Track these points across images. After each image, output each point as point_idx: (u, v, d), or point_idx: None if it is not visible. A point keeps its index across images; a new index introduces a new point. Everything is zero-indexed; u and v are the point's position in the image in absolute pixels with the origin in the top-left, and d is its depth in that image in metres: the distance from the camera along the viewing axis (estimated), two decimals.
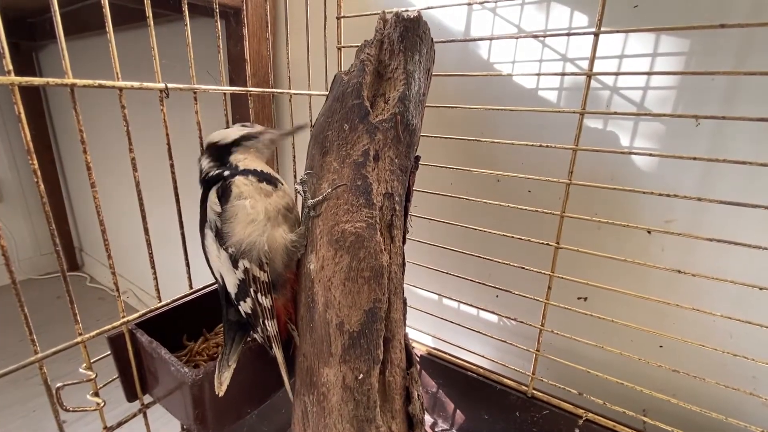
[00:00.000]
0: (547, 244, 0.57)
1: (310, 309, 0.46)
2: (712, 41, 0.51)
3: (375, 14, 0.54)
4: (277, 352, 0.47)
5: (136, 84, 0.43)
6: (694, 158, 0.47)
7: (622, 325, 0.54)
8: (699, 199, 0.47)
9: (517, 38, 0.63)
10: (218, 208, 0.45)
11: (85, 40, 1.47)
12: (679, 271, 0.50)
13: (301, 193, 0.47)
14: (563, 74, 0.60)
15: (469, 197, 0.64)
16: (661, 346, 0.61)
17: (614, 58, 0.57)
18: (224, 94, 0.56)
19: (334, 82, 0.52)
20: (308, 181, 0.48)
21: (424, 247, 0.71)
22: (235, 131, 0.50)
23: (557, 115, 0.62)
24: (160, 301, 0.52)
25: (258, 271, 0.45)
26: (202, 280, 0.58)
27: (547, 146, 0.55)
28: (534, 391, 0.63)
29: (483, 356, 0.70)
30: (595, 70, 0.50)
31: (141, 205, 0.47)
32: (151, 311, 0.51)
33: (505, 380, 0.66)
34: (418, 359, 0.72)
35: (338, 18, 0.69)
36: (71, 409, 0.43)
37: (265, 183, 0.47)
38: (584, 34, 0.54)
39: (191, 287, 0.56)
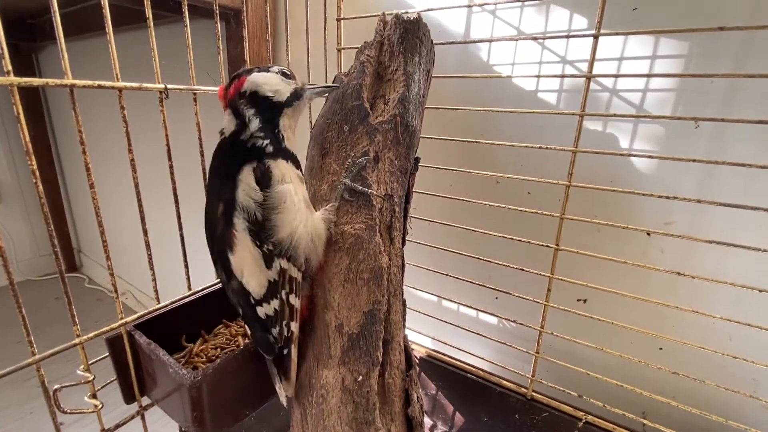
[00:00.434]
0: (547, 246, 0.57)
1: (310, 311, 0.46)
2: (711, 44, 0.51)
3: (375, 16, 0.54)
4: (293, 352, 0.44)
5: (135, 85, 0.43)
6: (694, 160, 0.47)
7: (621, 327, 0.54)
8: (698, 201, 0.47)
9: (516, 40, 0.63)
10: (259, 196, 0.38)
11: (85, 41, 1.47)
12: (679, 273, 0.50)
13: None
14: (563, 76, 0.60)
15: (469, 199, 0.64)
16: (660, 349, 0.61)
17: (614, 60, 0.57)
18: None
19: (334, 83, 0.52)
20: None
21: (423, 249, 0.70)
22: (283, 84, 0.41)
23: (557, 116, 0.62)
24: (159, 303, 0.52)
25: (295, 271, 0.41)
26: (202, 281, 0.58)
27: (547, 148, 0.55)
28: (534, 393, 0.63)
29: (482, 358, 0.70)
30: (594, 72, 0.50)
31: (140, 206, 0.47)
32: (149, 313, 0.50)
33: (504, 382, 0.66)
34: (417, 361, 0.72)
35: (338, 19, 0.69)
36: (69, 411, 0.43)
37: (298, 169, 0.42)
38: (584, 36, 0.54)
39: (190, 289, 0.56)
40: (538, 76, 0.63)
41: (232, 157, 0.40)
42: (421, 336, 0.78)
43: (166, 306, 0.52)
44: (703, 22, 0.50)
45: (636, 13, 0.55)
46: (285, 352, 0.44)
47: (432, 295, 0.78)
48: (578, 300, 0.66)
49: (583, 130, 0.52)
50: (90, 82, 0.40)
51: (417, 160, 0.52)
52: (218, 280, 0.59)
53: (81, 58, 1.49)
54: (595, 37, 0.49)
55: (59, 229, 2.05)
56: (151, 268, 0.50)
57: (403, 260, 0.50)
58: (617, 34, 0.54)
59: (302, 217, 0.40)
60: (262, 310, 0.41)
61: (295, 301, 0.42)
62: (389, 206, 0.46)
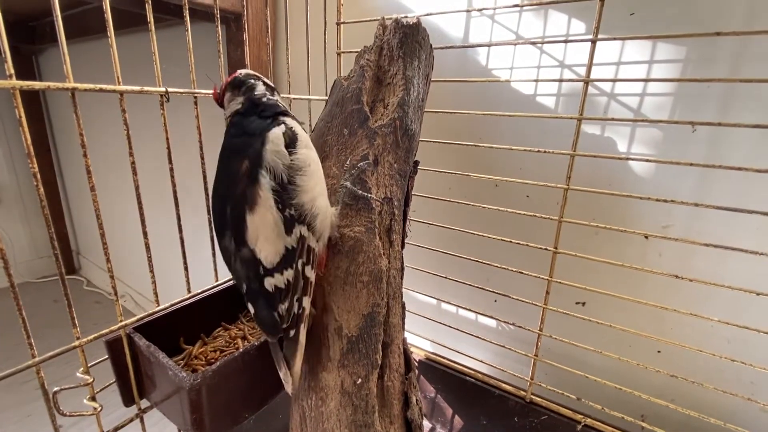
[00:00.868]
0: (546, 249, 0.57)
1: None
2: (708, 49, 0.51)
3: (374, 20, 0.54)
4: (302, 334, 0.42)
5: (136, 88, 0.44)
6: (691, 164, 0.47)
7: (620, 330, 0.54)
8: (696, 204, 0.47)
9: (515, 45, 0.64)
10: (287, 157, 0.38)
11: (85, 43, 1.48)
12: (677, 276, 0.50)
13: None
14: (561, 80, 0.60)
15: (468, 202, 0.64)
16: (659, 352, 0.61)
17: (611, 64, 0.58)
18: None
19: (334, 87, 0.52)
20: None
21: (422, 252, 0.71)
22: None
23: (555, 120, 0.62)
24: (159, 305, 0.52)
25: (314, 241, 0.40)
26: (201, 284, 0.58)
27: (545, 152, 0.56)
28: (532, 396, 0.63)
29: (481, 361, 0.70)
30: (592, 76, 0.51)
31: (140, 208, 0.47)
32: (149, 315, 0.50)
33: (503, 385, 0.66)
34: (416, 364, 0.72)
35: (338, 24, 0.70)
36: (68, 413, 0.43)
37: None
38: (582, 41, 0.55)
39: (189, 291, 0.56)
40: (536, 81, 0.63)
41: (252, 119, 0.41)
42: (420, 339, 0.78)
43: (166, 308, 0.52)
44: (699, 28, 0.51)
45: (633, 18, 0.55)
46: (292, 333, 0.41)
47: (431, 298, 0.78)
48: (577, 303, 0.66)
49: (582, 133, 0.53)
50: (91, 86, 0.40)
51: (416, 163, 0.52)
52: (218, 282, 0.60)
53: (81, 60, 1.50)
54: (593, 41, 0.49)
55: (58, 231, 2.05)
56: (151, 271, 0.50)
57: (402, 263, 0.50)
58: (615, 39, 0.55)
59: (322, 187, 0.41)
60: (272, 282, 0.39)
61: (311, 274, 0.41)
62: (388, 209, 0.47)
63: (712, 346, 0.53)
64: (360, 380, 0.43)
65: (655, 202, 0.50)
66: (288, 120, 0.41)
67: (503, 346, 0.66)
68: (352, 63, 0.53)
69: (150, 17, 0.44)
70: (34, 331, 0.38)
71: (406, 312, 0.52)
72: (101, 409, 0.46)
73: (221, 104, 0.45)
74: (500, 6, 0.62)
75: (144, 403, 0.51)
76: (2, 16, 0.32)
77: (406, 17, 0.50)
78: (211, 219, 0.43)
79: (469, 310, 0.71)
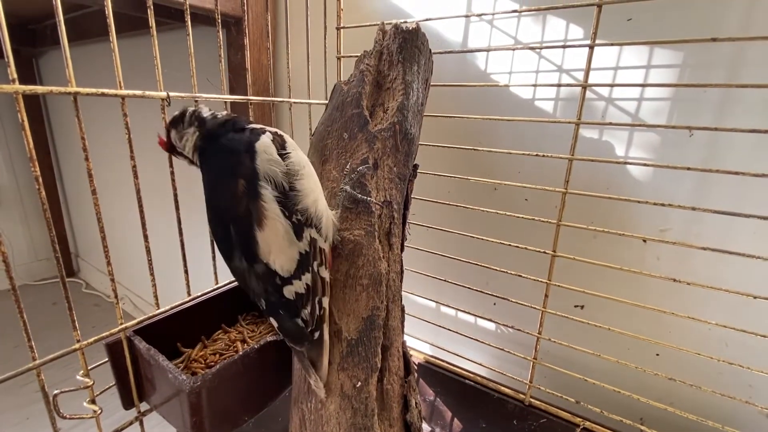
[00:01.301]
0: (544, 252, 0.57)
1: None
2: (705, 54, 0.52)
3: (374, 25, 0.55)
4: (326, 332, 0.42)
5: (138, 93, 0.44)
6: (688, 168, 0.47)
7: (618, 333, 0.54)
8: (693, 208, 0.48)
9: (513, 50, 0.64)
10: (281, 163, 0.37)
11: (85, 46, 1.48)
12: (675, 280, 0.50)
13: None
14: (559, 85, 0.61)
15: (467, 205, 0.64)
16: (657, 355, 0.61)
17: (609, 69, 0.58)
18: (225, 102, 0.57)
19: (334, 91, 0.53)
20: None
21: (422, 255, 0.71)
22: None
23: (553, 124, 0.63)
24: (158, 308, 0.52)
25: (323, 242, 0.40)
26: (201, 286, 0.58)
27: (544, 155, 0.56)
28: (531, 399, 0.63)
29: (481, 364, 0.70)
30: (590, 81, 0.51)
31: (141, 211, 0.48)
32: (149, 318, 0.50)
33: (502, 388, 0.66)
34: (416, 367, 0.72)
35: (338, 28, 0.70)
36: (68, 416, 0.43)
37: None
38: (580, 46, 0.55)
39: (189, 294, 0.56)
40: (535, 85, 0.64)
41: (227, 137, 0.39)
42: (419, 342, 0.78)
43: (166, 311, 0.52)
44: (696, 33, 0.52)
45: (630, 23, 0.56)
46: (317, 335, 0.42)
47: (430, 301, 0.78)
48: (575, 306, 0.66)
49: (580, 138, 0.53)
50: (94, 90, 0.40)
51: (415, 167, 0.53)
52: (218, 285, 0.60)
53: (81, 63, 1.50)
54: (591, 47, 0.50)
55: (57, 234, 2.04)
56: (151, 274, 0.50)
57: (401, 266, 0.50)
58: (612, 44, 0.55)
59: (320, 189, 0.40)
60: (292, 289, 0.39)
61: (326, 274, 0.41)
62: (388, 212, 0.47)
63: (710, 349, 0.53)
64: (359, 383, 0.43)
65: (652, 205, 0.50)
66: (266, 127, 0.40)
67: (502, 349, 0.66)
68: (352, 67, 0.54)
69: (151, 21, 0.45)
70: (33, 334, 0.38)
71: (406, 315, 0.52)
72: (101, 412, 0.46)
73: (171, 148, 0.43)
74: (499, 11, 0.62)
75: (144, 406, 0.51)
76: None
77: (406, 22, 0.50)
78: (211, 225, 0.42)
79: (469, 313, 0.71)
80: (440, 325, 0.71)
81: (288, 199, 0.37)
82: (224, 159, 0.39)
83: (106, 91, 0.41)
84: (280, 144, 0.38)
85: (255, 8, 0.81)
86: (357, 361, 0.44)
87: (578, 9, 0.54)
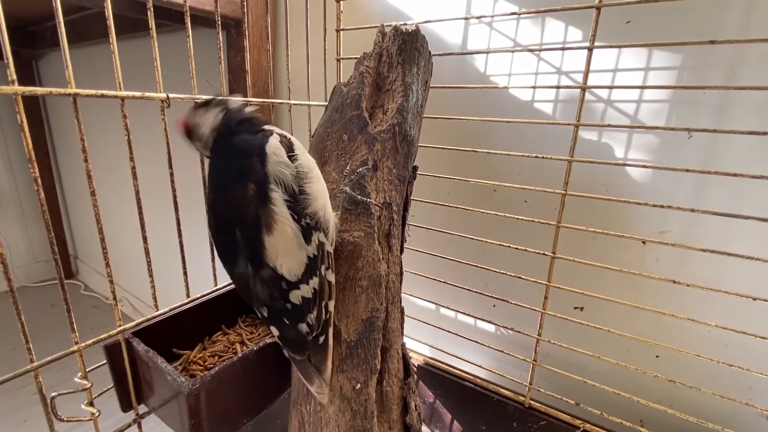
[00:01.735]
0: (544, 254, 0.57)
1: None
2: (703, 56, 0.52)
3: (374, 27, 0.55)
4: (330, 337, 0.42)
5: (138, 94, 0.44)
6: (687, 170, 0.48)
7: (618, 335, 0.54)
8: (692, 210, 0.48)
9: (513, 52, 0.64)
10: (291, 166, 0.37)
11: (85, 48, 1.48)
12: (674, 281, 0.50)
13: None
14: (558, 87, 0.61)
15: (467, 207, 0.64)
16: (657, 356, 0.61)
17: (608, 71, 0.58)
18: None
19: (334, 93, 0.53)
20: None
21: (421, 257, 0.71)
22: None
23: (553, 126, 0.63)
24: (157, 310, 0.52)
25: (329, 245, 0.40)
26: (200, 288, 0.58)
27: (543, 157, 0.56)
28: (531, 402, 0.63)
29: (480, 366, 0.70)
30: (589, 83, 0.51)
31: (140, 213, 0.47)
32: (147, 320, 0.50)
33: (502, 390, 0.66)
34: (415, 369, 0.72)
35: (338, 30, 0.70)
36: (66, 418, 0.43)
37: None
38: (578, 48, 0.55)
39: (188, 296, 0.56)
40: (534, 87, 0.64)
41: (240, 138, 0.39)
42: (419, 344, 0.78)
43: (165, 313, 0.52)
44: (695, 35, 0.52)
45: (629, 26, 0.56)
46: (321, 340, 0.41)
47: (430, 303, 0.78)
48: (575, 308, 0.66)
49: (579, 139, 0.53)
50: (93, 92, 0.40)
51: (415, 168, 0.53)
52: (217, 287, 0.60)
53: (81, 65, 1.50)
54: (590, 49, 0.50)
55: (56, 236, 2.04)
56: (150, 275, 0.50)
57: (401, 268, 0.50)
58: (611, 46, 0.55)
59: (327, 193, 0.40)
60: (298, 294, 0.38)
61: (332, 277, 0.41)
62: (388, 214, 0.47)
63: (709, 350, 0.53)
64: (359, 385, 0.43)
65: (652, 207, 0.50)
66: (274, 128, 0.40)
67: (502, 351, 0.66)
68: (351, 69, 0.54)
69: (151, 23, 0.45)
70: (31, 336, 0.38)
71: (405, 317, 0.52)
72: (99, 415, 0.45)
73: (189, 131, 0.42)
74: (498, 14, 0.63)
75: (142, 409, 0.51)
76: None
77: (405, 24, 0.50)
78: (208, 221, 0.42)
79: (468, 315, 0.71)
80: (440, 327, 0.71)
81: (297, 202, 0.37)
82: (233, 162, 0.38)
83: (105, 92, 0.41)
84: (288, 146, 0.38)
85: (255, 10, 0.81)
86: (356, 363, 0.44)
87: (577, 11, 0.54)
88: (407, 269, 0.61)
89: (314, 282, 0.39)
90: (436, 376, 0.71)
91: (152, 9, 0.45)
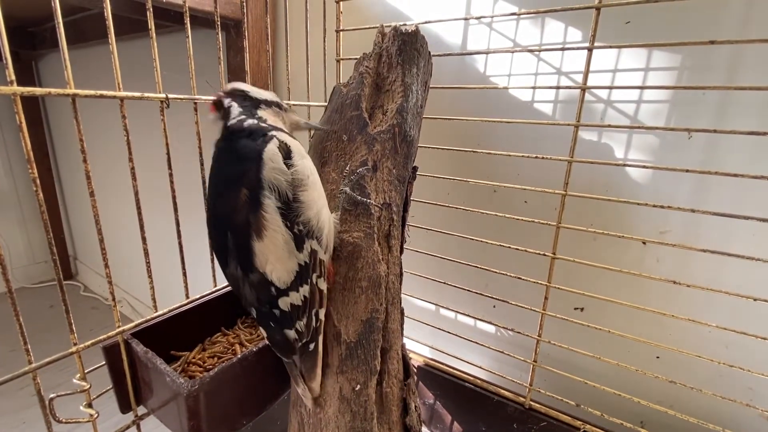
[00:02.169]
0: (544, 255, 0.57)
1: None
2: (703, 57, 0.52)
3: (374, 28, 0.55)
4: (320, 344, 0.43)
5: (137, 94, 0.44)
6: (687, 170, 0.47)
7: (618, 336, 0.54)
8: (692, 210, 0.48)
9: (513, 52, 0.64)
10: (287, 173, 0.36)
11: (84, 49, 1.48)
12: (674, 282, 0.50)
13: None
14: (558, 87, 0.61)
15: (466, 207, 0.64)
16: (657, 357, 0.61)
17: (608, 72, 0.58)
18: None
19: (333, 93, 0.53)
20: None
21: (421, 257, 0.71)
22: (267, 93, 0.44)
23: (553, 127, 0.63)
24: (156, 311, 0.52)
25: (322, 253, 0.40)
26: (199, 289, 0.58)
27: (543, 158, 0.56)
28: (531, 403, 0.63)
29: (480, 367, 0.69)
30: (589, 83, 0.51)
31: (139, 214, 0.47)
32: (146, 321, 0.50)
33: (502, 391, 0.66)
34: (415, 370, 0.72)
35: (337, 31, 0.70)
36: (64, 420, 0.43)
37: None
38: (578, 48, 0.55)
39: (188, 297, 0.56)
40: (534, 87, 0.64)
41: (241, 143, 0.38)
42: (419, 345, 0.78)
43: (164, 314, 0.52)
44: (694, 36, 0.52)
45: (629, 26, 0.56)
46: (311, 347, 0.41)
47: (430, 304, 0.78)
48: (575, 309, 0.66)
49: (579, 140, 0.53)
50: (92, 92, 0.40)
51: (415, 169, 0.52)
52: (216, 288, 0.59)
53: (81, 66, 1.50)
54: (590, 49, 0.50)
55: (55, 236, 2.04)
56: (150, 276, 0.50)
57: (401, 268, 0.50)
58: (611, 47, 0.55)
59: (323, 198, 0.40)
60: (288, 300, 0.39)
61: (323, 285, 0.41)
62: (387, 215, 0.47)
63: (710, 351, 0.53)
64: (359, 386, 0.43)
65: (652, 207, 0.50)
66: (277, 133, 0.39)
67: (502, 352, 0.66)
68: (351, 70, 0.54)
69: (151, 24, 0.45)
70: (30, 337, 0.38)
71: (405, 318, 0.52)
72: (98, 416, 0.45)
73: (220, 105, 0.42)
74: (498, 14, 0.63)
75: (141, 410, 0.51)
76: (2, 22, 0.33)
77: (405, 25, 0.50)
78: (209, 230, 0.42)
79: (468, 315, 0.71)
80: (440, 328, 0.71)
81: (291, 210, 0.37)
82: (231, 165, 0.38)
83: (104, 92, 0.41)
84: (285, 151, 0.38)
85: (254, 11, 0.81)
86: (356, 364, 0.43)
87: (577, 12, 0.54)
88: (407, 270, 0.61)
89: (305, 290, 0.39)
90: (436, 377, 0.71)
91: (152, 10, 0.45)
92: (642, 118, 0.57)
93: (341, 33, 0.70)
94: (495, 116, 0.66)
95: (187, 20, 0.49)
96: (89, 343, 0.45)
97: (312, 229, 0.38)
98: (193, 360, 0.53)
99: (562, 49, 0.60)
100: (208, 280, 0.59)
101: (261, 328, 0.42)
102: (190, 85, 0.51)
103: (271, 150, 0.37)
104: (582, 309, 0.66)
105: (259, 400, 0.51)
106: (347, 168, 0.46)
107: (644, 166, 0.56)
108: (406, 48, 0.49)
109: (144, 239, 0.48)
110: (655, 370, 0.54)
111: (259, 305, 0.40)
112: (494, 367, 0.70)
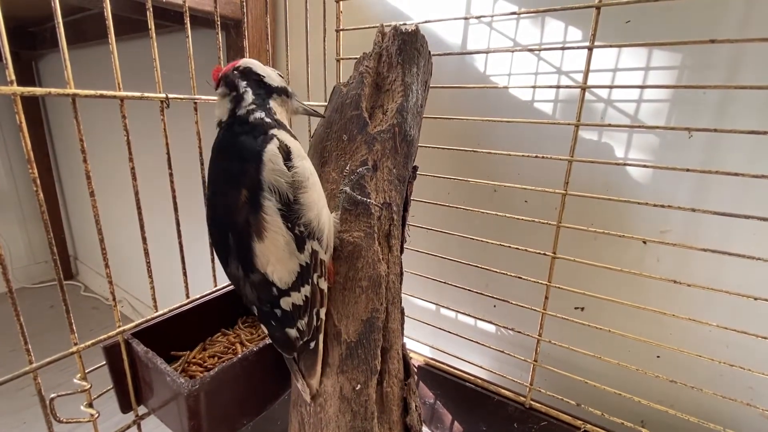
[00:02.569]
0: (544, 254, 0.57)
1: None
2: (704, 56, 0.52)
3: (374, 27, 0.55)
4: (321, 343, 0.43)
5: (137, 94, 0.44)
6: (687, 170, 0.47)
7: (619, 335, 0.54)
8: (693, 210, 0.47)
9: (513, 51, 0.64)
10: (288, 174, 0.36)
11: (84, 49, 1.48)
12: (675, 281, 0.50)
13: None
14: (558, 87, 0.61)
15: (467, 207, 0.64)
16: (658, 357, 0.61)
17: (608, 71, 0.58)
18: None
19: (333, 93, 0.53)
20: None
21: (421, 257, 0.71)
22: (277, 78, 0.42)
23: (553, 126, 0.63)
24: (157, 311, 0.52)
25: (323, 253, 0.40)
26: (200, 289, 0.58)
27: (543, 157, 0.56)
28: (532, 402, 0.63)
29: (481, 366, 0.69)
30: (589, 83, 0.51)
31: (139, 214, 0.47)
32: (147, 321, 0.50)
33: (503, 391, 0.66)
34: (415, 370, 0.72)
35: (337, 31, 0.70)
36: (65, 420, 0.43)
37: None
38: (578, 48, 0.55)
39: (188, 297, 0.56)
40: (534, 87, 0.64)
41: (241, 139, 0.37)
42: (419, 344, 0.78)
43: (164, 314, 0.52)
44: (695, 35, 0.52)
45: (629, 25, 0.56)
46: (312, 345, 0.42)
47: (430, 303, 0.78)
48: (576, 308, 0.66)
49: (579, 139, 0.53)
50: (92, 92, 0.40)
51: (415, 168, 0.52)
52: (216, 288, 0.59)
53: (81, 66, 1.50)
54: (590, 49, 0.50)
55: (55, 236, 2.03)
56: (150, 276, 0.50)
57: (401, 268, 0.50)
58: (611, 46, 0.55)
59: (324, 200, 0.40)
60: (289, 300, 0.39)
61: (324, 285, 0.41)
62: (387, 214, 0.47)
63: (710, 350, 0.53)
64: (359, 386, 0.43)
65: (652, 207, 0.50)
66: (278, 132, 0.38)
67: (502, 352, 0.66)
68: (351, 69, 0.54)
69: (151, 23, 0.45)
70: (30, 337, 0.38)
71: (405, 317, 0.52)
72: (98, 416, 0.45)
73: (225, 77, 0.41)
74: (498, 14, 0.63)
75: (141, 410, 0.51)
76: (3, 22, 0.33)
77: (405, 24, 0.50)
78: (210, 228, 0.41)
79: (468, 315, 0.71)
80: (440, 328, 0.71)
81: (291, 211, 0.37)
82: (231, 163, 0.38)
83: (104, 92, 0.41)
84: (285, 153, 0.37)
85: (254, 11, 0.81)
86: (356, 363, 0.43)
87: (577, 11, 0.54)
88: (407, 269, 0.61)
89: (306, 290, 0.39)
90: (437, 377, 0.71)
91: (151, 9, 0.45)
92: (642, 117, 0.57)
93: (341, 32, 0.70)
94: (495, 116, 0.66)
95: (187, 20, 0.49)
96: (90, 343, 0.45)
97: (313, 230, 0.38)
98: (194, 360, 0.53)
99: (563, 49, 0.60)
100: (208, 280, 0.59)
101: (262, 326, 0.42)
102: (190, 85, 0.51)
103: (272, 151, 0.37)
104: (582, 308, 0.66)
105: (259, 399, 0.51)
106: (347, 168, 0.46)
107: (644, 166, 0.56)
108: (406, 47, 0.49)
109: (144, 239, 0.48)
110: (655, 370, 0.54)
111: (261, 304, 0.40)
112: (495, 367, 0.70)
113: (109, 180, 1.61)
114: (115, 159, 1.61)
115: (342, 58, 0.71)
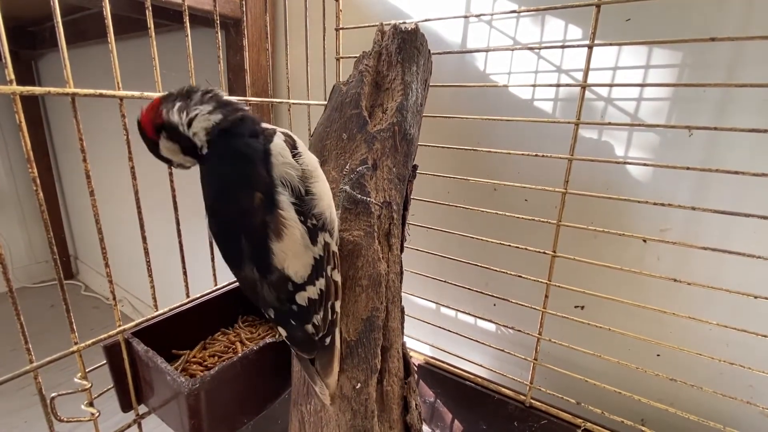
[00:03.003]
0: (544, 253, 0.57)
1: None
2: (704, 54, 0.52)
3: (373, 26, 0.55)
4: (338, 338, 0.42)
5: (136, 94, 0.44)
6: (687, 168, 0.47)
7: (619, 334, 0.54)
8: (693, 208, 0.47)
9: (512, 50, 0.64)
10: (297, 166, 0.36)
11: (84, 48, 1.48)
12: (675, 280, 0.50)
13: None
14: (558, 85, 0.61)
15: (466, 206, 0.64)
16: (658, 355, 0.61)
17: (608, 69, 0.58)
18: None
19: (333, 92, 0.53)
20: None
21: (421, 256, 0.71)
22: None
23: (553, 125, 0.63)
24: (157, 310, 0.52)
25: (334, 245, 0.40)
26: (200, 288, 0.58)
27: (543, 156, 0.56)
28: (532, 401, 0.63)
29: (481, 365, 0.69)
30: (589, 81, 0.51)
31: (139, 213, 0.47)
32: (147, 320, 0.50)
33: (503, 390, 0.66)
34: (415, 368, 0.72)
35: (337, 29, 0.70)
36: (65, 419, 0.43)
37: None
38: (578, 46, 0.55)
39: (188, 296, 0.56)
40: (534, 85, 0.63)
41: (242, 142, 0.36)
42: (419, 343, 0.78)
43: (164, 313, 0.52)
44: (695, 33, 0.52)
45: (629, 24, 0.56)
46: (328, 341, 0.41)
47: (430, 302, 0.78)
48: (576, 307, 0.66)
49: (579, 138, 0.53)
50: (92, 91, 0.40)
51: (415, 167, 0.52)
52: (216, 287, 0.59)
53: (80, 65, 1.50)
54: (590, 47, 0.50)
55: (56, 236, 2.03)
56: (150, 276, 0.50)
57: (401, 267, 0.50)
58: (611, 44, 0.55)
59: (330, 193, 0.40)
60: (305, 295, 0.38)
61: (338, 277, 0.41)
62: (387, 213, 0.47)
63: (710, 349, 0.53)
64: (359, 385, 0.43)
65: (652, 205, 0.50)
66: (271, 126, 0.39)
67: (502, 350, 0.66)
68: (351, 68, 0.54)
69: (150, 23, 0.45)
70: (31, 337, 0.38)
71: (405, 316, 0.52)
72: (99, 415, 0.45)
73: (161, 128, 0.37)
74: (498, 12, 0.62)
75: (142, 409, 0.51)
76: (2, 22, 0.32)
77: (405, 23, 0.50)
78: (210, 226, 0.40)
79: (468, 314, 0.71)
80: (440, 326, 0.71)
81: (304, 203, 0.36)
82: (237, 167, 0.36)
83: (104, 92, 0.41)
84: (291, 145, 0.37)
85: (254, 9, 0.81)
86: (356, 362, 0.43)
87: (577, 9, 0.54)
88: (407, 268, 0.61)
89: (321, 283, 0.39)
90: (437, 376, 0.71)
91: (151, 9, 0.45)
92: (642, 115, 0.57)
93: (341, 31, 0.70)
94: (495, 114, 0.66)
95: (187, 19, 0.49)
96: (90, 342, 0.45)
97: (325, 222, 0.38)
98: (194, 359, 0.53)
99: (562, 47, 0.60)
100: (208, 279, 0.59)
101: (280, 328, 0.41)
102: (189, 83, 0.51)
103: (279, 145, 0.36)
104: (582, 307, 0.66)
105: (259, 398, 0.51)
106: (347, 166, 0.46)
107: (645, 164, 0.56)
108: (405, 46, 0.49)
109: (144, 238, 0.48)
110: (655, 368, 0.54)
111: (280, 304, 0.39)
112: (495, 366, 0.70)
113: (109, 179, 1.61)
114: (115, 158, 1.61)
115: (342, 57, 0.71)
